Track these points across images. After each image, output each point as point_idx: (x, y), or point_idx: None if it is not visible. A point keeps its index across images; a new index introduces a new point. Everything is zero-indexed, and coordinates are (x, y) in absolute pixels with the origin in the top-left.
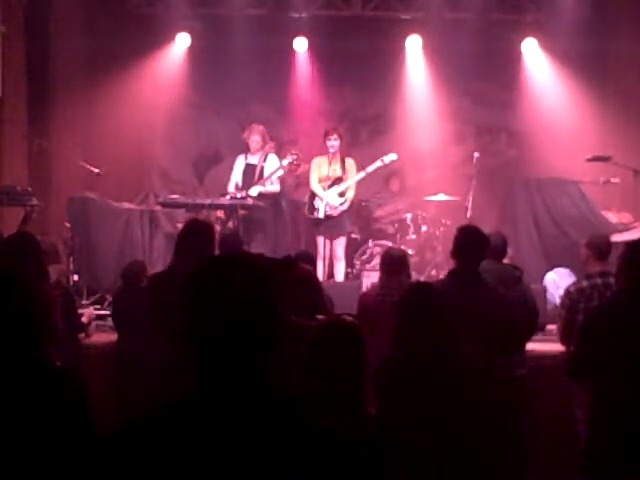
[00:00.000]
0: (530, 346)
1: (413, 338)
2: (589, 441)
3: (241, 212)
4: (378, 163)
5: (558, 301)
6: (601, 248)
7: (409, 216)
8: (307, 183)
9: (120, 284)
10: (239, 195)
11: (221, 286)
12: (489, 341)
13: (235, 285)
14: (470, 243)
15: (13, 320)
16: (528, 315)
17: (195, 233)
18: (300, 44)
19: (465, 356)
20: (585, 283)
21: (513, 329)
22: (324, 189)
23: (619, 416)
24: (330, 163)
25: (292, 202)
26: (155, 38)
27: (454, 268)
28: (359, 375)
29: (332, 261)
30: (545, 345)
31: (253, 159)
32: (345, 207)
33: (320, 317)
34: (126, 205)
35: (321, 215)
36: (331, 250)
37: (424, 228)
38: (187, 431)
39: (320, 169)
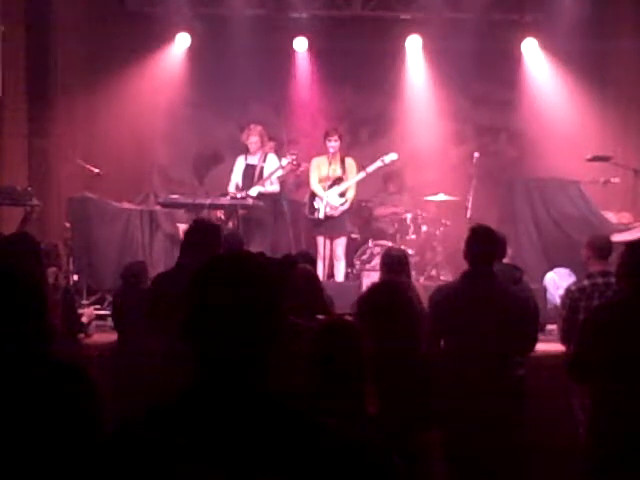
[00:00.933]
0: None
1: (375, 335)
2: (589, 441)
3: (241, 212)
4: (378, 163)
5: (558, 301)
6: (602, 248)
7: (409, 216)
8: (307, 183)
9: (120, 284)
10: (239, 195)
11: (223, 284)
12: (507, 340)
13: (237, 283)
14: (483, 243)
15: (17, 315)
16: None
17: (202, 232)
18: (300, 44)
19: (424, 355)
20: (586, 282)
21: (530, 327)
22: (324, 189)
23: (619, 416)
24: (330, 163)
25: (292, 202)
26: (155, 38)
27: (468, 269)
28: (359, 375)
29: (332, 261)
30: (545, 345)
31: (253, 159)
32: (345, 207)
33: (320, 317)
34: (126, 205)
35: (321, 215)
36: (331, 250)
37: (424, 228)
38: (186, 430)
39: (320, 169)
